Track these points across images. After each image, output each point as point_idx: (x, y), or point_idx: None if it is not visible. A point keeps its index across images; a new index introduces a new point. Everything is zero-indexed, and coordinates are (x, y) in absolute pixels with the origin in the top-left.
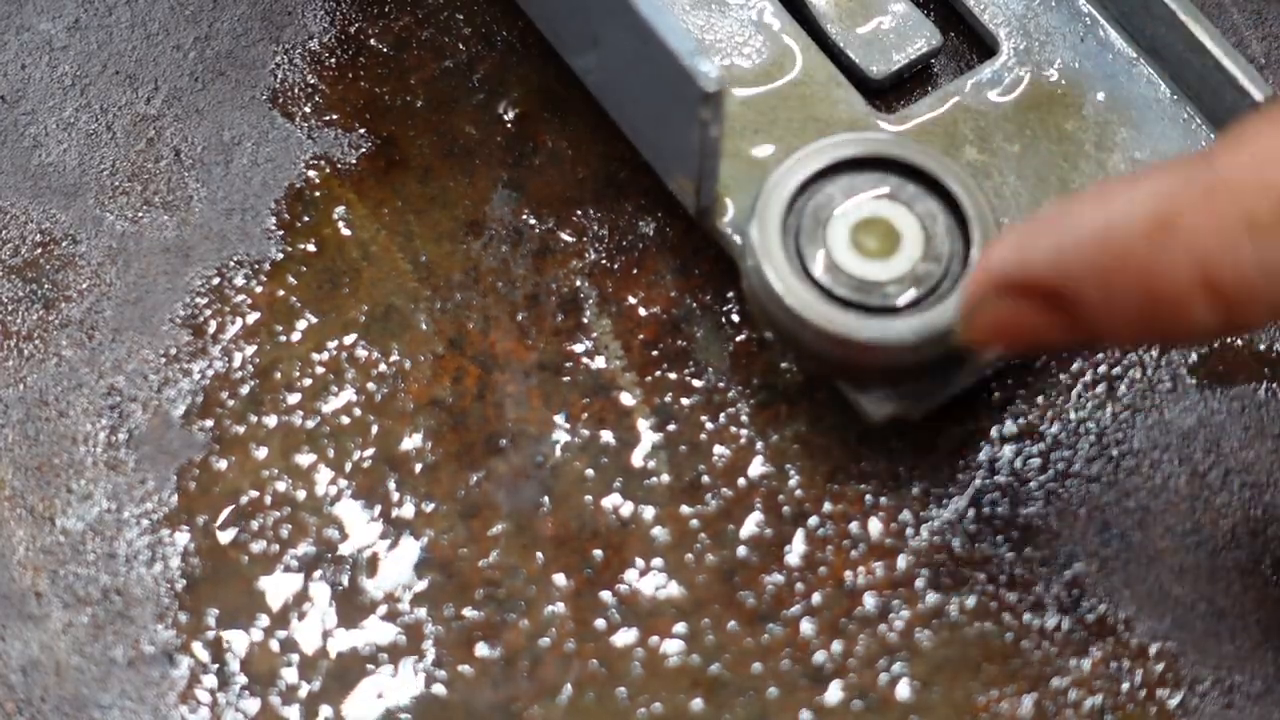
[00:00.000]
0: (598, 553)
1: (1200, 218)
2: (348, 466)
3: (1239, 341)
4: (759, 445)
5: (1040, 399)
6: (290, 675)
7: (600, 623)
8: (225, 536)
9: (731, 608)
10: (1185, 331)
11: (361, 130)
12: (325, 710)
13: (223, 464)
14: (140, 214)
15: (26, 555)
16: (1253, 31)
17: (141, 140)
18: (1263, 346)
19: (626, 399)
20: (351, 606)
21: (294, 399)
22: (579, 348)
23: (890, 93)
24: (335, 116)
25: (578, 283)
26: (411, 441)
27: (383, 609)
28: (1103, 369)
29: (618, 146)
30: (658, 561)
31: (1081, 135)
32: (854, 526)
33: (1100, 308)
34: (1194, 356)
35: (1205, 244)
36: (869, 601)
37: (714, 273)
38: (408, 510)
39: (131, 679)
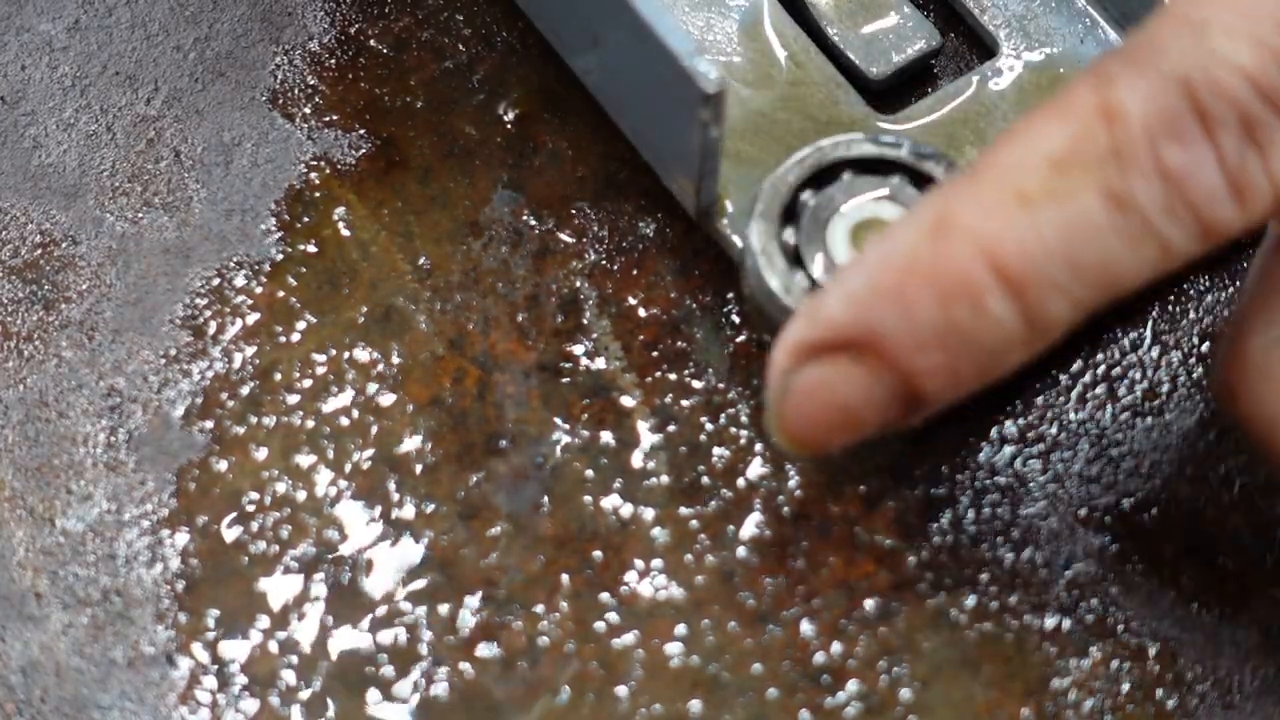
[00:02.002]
0: (597, 554)
1: (972, 206)
2: (348, 467)
3: None
4: (759, 446)
5: (1040, 400)
6: (290, 676)
7: (600, 624)
8: (225, 537)
9: (731, 609)
10: (992, 335)
11: (361, 131)
12: (325, 711)
13: (222, 465)
14: (140, 215)
15: (26, 556)
16: None
17: (141, 141)
18: None
19: (626, 400)
20: (351, 607)
21: (294, 400)
22: (579, 348)
23: (890, 94)
24: (335, 117)
25: (578, 283)
26: (411, 442)
27: (383, 609)
28: (1102, 369)
29: (618, 146)
30: (657, 562)
31: None
32: (854, 527)
33: (903, 331)
34: (1193, 357)
35: (983, 228)
36: (869, 602)
37: (714, 273)
38: (408, 511)
39: (131, 680)
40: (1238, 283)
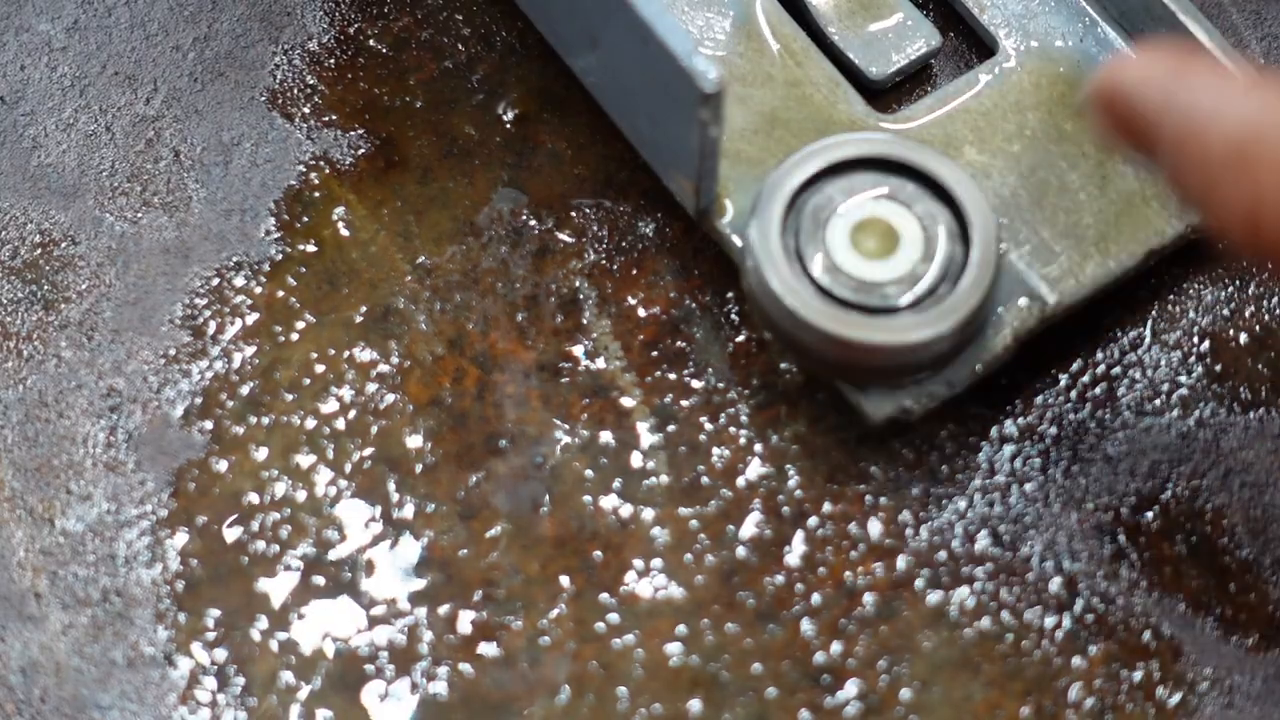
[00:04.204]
0: (597, 554)
1: (1269, 160)
2: (347, 467)
3: (1239, 341)
4: (758, 446)
5: (1039, 399)
6: (289, 676)
7: (600, 624)
8: (225, 537)
9: (731, 608)
10: (1218, 226)
11: (361, 131)
12: (325, 711)
13: (222, 465)
14: (140, 215)
15: (26, 556)
16: (1252, 32)
17: (141, 141)
18: (1262, 347)
19: (626, 400)
20: (351, 607)
21: (293, 400)
22: (579, 348)
23: (890, 93)
24: (334, 117)
25: (577, 283)
26: (411, 442)
27: (382, 609)
28: (1102, 369)
29: (617, 146)
30: (657, 562)
31: (1081, 135)
32: (854, 527)
33: (1167, 161)
34: (1193, 357)
35: (1264, 184)
36: (869, 602)
37: (714, 273)
38: (407, 511)
39: (131, 680)
40: (1237, 282)
